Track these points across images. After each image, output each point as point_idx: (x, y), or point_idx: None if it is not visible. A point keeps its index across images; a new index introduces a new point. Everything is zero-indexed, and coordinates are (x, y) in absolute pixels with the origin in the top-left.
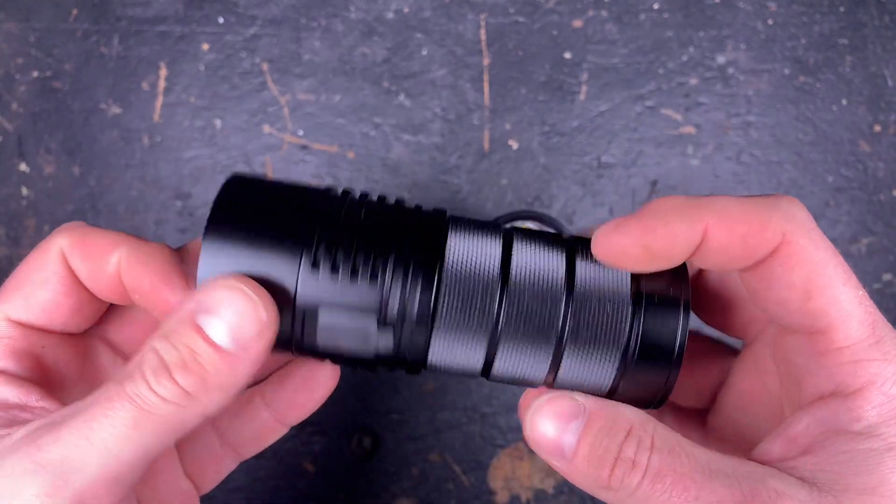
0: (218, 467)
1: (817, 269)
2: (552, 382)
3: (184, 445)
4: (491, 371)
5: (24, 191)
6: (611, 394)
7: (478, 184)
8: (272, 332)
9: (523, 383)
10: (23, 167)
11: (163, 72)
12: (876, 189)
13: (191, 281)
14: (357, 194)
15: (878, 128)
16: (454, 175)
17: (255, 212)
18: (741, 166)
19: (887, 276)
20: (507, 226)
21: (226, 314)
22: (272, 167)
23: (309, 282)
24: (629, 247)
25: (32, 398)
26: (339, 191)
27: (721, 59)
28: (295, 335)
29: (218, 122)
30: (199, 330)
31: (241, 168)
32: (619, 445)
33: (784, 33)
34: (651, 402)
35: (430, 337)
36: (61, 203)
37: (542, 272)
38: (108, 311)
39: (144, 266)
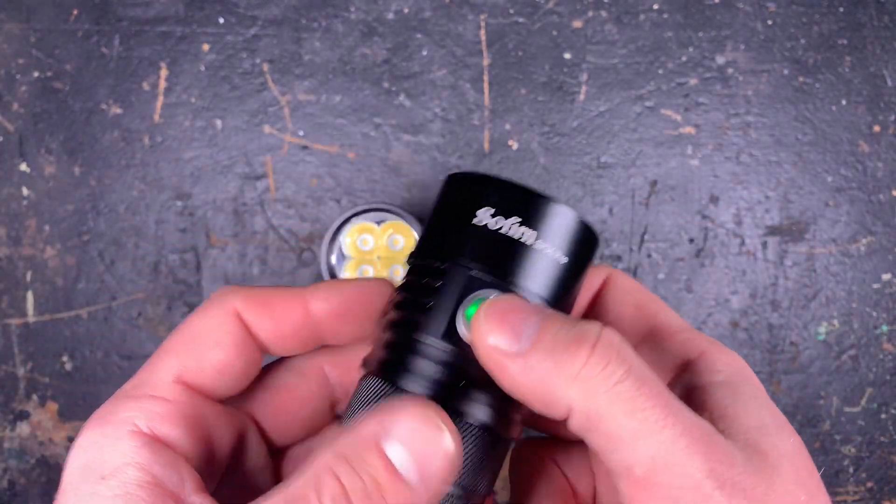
0: None
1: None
2: None
3: None
4: None
5: (25, 191)
6: None
7: None
8: (457, 467)
9: None
10: (23, 167)
11: (163, 72)
12: (875, 189)
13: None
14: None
15: (877, 128)
16: None
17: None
18: (740, 166)
19: (887, 276)
20: None
21: (413, 444)
22: (272, 167)
23: None
24: None
25: (187, 488)
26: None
27: (720, 60)
28: None
29: (218, 123)
30: (385, 458)
31: (241, 169)
32: (597, 334)
33: (783, 33)
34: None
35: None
36: (62, 203)
37: None
38: (252, 386)
39: (346, 303)
